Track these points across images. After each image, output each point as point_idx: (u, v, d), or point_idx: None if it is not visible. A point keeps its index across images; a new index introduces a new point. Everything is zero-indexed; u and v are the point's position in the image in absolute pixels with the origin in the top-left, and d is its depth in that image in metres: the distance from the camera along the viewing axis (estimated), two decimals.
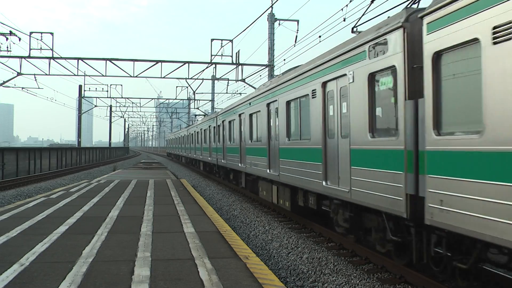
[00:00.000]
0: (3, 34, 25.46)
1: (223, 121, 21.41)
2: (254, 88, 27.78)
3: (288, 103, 11.54)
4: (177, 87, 43.42)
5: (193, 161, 40.05)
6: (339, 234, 9.64)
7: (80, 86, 52.75)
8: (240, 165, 17.19)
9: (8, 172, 28.36)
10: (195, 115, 50.94)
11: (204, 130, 28.90)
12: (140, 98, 57.84)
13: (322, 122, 9.15)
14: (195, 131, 34.90)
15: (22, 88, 38.80)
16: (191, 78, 30.71)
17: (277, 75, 14.99)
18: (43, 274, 5.42)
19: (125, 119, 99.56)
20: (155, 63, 28.77)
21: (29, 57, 26.41)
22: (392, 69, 6.61)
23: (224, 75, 31.71)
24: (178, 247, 6.92)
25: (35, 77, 32.67)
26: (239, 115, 17.46)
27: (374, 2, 8.97)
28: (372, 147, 7.14)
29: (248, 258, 6.23)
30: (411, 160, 6.16)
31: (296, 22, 24.58)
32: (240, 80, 29.27)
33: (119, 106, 70.11)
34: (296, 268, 8.29)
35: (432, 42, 5.68)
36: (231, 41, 26.99)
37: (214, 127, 24.23)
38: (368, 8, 8.78)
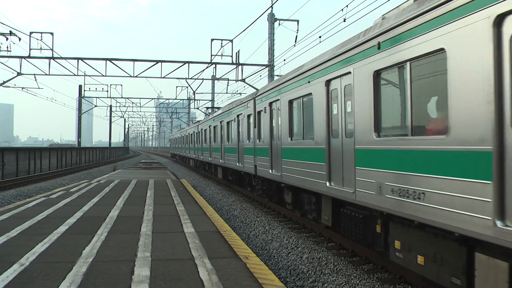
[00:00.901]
0: (3, 34, 25.45)
1: (271, 104, 13.44)
2: (255, 88, 27.74)
3: None
4: (177, 87, 43.39)
5: (206, 166, 31.70)
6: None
7: (80, 86, 52.81)
8: (329, 184, 8.97)
9: (8, 172, 28.36)
10: (207, 108, 41.44)
11: (227, 123, 20.94)
12: (140, 98, 57.79)
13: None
14: (211, 126, 26.13)
15: (22, 88, 38.80)
16: (191, 78, 30.70)
17: None
18: (43, 274, 5.42)
19: (125, 119, 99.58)
20: (155, 63, 28.76)
21: (29, 57, 26.40)
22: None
23: (224, 75, 31.70)
24: (178, 247, 6.91)
25: (35, 77, 32.66)
26: (327, 83, 9.06)
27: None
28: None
29: (248, 258, 6.23)
30: None
31: (296, 22, 24.60)
32: (240, 80, 29.25)
33: (119, 106, 70.05)
34: (296, 268, 8.29)
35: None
36: (231, 41, 26.97)
37: (250, 115, 16.16)
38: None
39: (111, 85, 45.63)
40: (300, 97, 10.87)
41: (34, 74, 31.07)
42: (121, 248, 6.84)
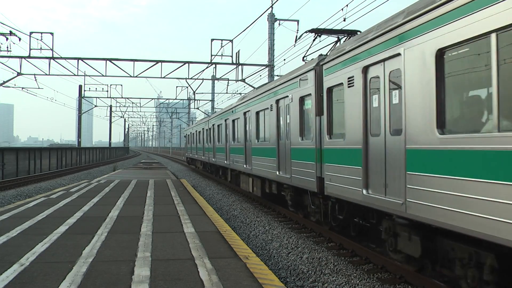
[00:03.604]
0: (3, 34, 25.45)
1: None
2: (255, 88, 27.69)
3: None
4: (177, 87, 43.45)
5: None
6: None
7: (80, 86, 52.77)
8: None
9: (8, 172, 28.36)
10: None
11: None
12: (140, 98, 57.88)
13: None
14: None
15: (22, 88, 38.83)
16: (191, 78, 30.72)
17: None
18: (43, 274, 5.42)
19: (125, 119, 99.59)
20: (155, 63, 28.76)
21: (29, 57, 26.41)
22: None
23: (224, 75, 31.71)
24: (178, 247, 6.92)
25: (35, 77, 32.68)
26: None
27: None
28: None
29: (248, 258, 6.23)
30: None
31: (296, 22, 24.58)
32: (240, 80, 29.26)
33: (119, 106, 70.13)
34: (296, 268, 8.29)
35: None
36: (231, 41, 26.98)
37: None
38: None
39: (111, 85, 45.72)
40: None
41: (34, 74, 31.09)
42: (121, 248, 6.84)
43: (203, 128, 30.63)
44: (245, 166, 16.71)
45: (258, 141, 15.02)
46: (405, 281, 7.25)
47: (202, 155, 31.09)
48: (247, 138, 16.60)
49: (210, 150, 26.00)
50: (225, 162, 21.20)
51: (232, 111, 19.51)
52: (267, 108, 13.53)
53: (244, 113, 16.89)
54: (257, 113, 14.99)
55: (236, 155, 18.47)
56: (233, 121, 19.31)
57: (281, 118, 12.40)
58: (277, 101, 12.50)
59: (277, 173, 12.46)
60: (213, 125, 25.61)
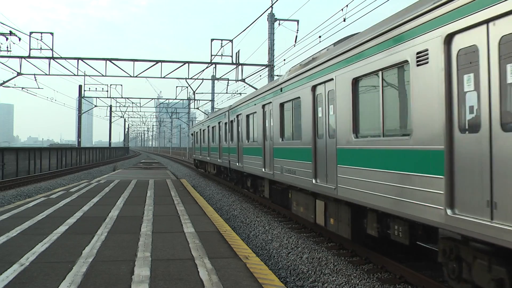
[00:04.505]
0: (3, 34, 25.46)
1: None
2: (255, 88, 27.72)
3: None
4: (177, 87, 43.49)
5: None
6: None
7: (80, 86, 52.79)
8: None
9: (8, 172, 28.36)
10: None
11: None
12: (140, 98, 57.89)
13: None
14: None
15: (22, 88, 38.83)
16: (191, 78, 30.72)
17: None
18: (43, 274, 5.42)
19: (125, 119, 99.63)
20: (155, 63, 28.76)
21: (29, 57, 26.41)
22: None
23: (224, 75, 31.73)
24: (178, 247, 6.92)
25: (35, 77, 32.70)
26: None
27: None
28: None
29: (248, 258, 6.23)
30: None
31: (296, 22, 24.58)
32: (240, 80, 29.27)
33: (119, 106, 70.16)
34: (296, 268, 8.29)
35: None
36: (231, 41, 26.99)
37: None
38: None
39: (111, 85, 45.73)
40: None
41: (34, 74, 31.10)
42: (121, 248, 6.84)
43: (219, 123, 23.60)
44: (315, 181, 9.65)
45: (357, 137, 7.76)
46: (405, 281, 7.26)
47: (217, 158, 24.09)
48: (318, 132, 9.74)
49: (232, 151, 19.69)
50: (263, 170, 14.03)
51: (281, 90, 12.18)
52: (392, 65, 6.53)
53: (314, 88, 9.71)
54: (357, 81, 7.80)
55: (288, 160, 11.66)
56: (282, 105, 12.31)
57: (471, 79, 5.02)
58: (237, 116, 8.24)
59: (448, 211, 5.24)
60: (237, 116, 18.47)
